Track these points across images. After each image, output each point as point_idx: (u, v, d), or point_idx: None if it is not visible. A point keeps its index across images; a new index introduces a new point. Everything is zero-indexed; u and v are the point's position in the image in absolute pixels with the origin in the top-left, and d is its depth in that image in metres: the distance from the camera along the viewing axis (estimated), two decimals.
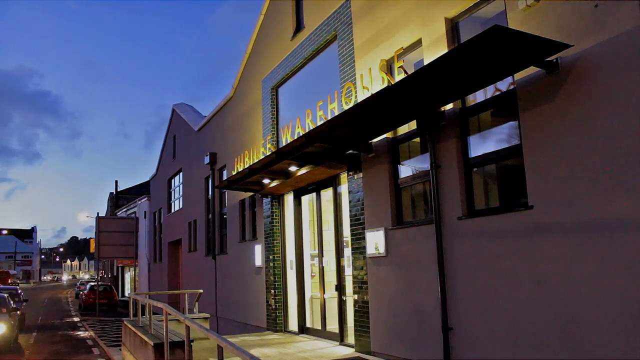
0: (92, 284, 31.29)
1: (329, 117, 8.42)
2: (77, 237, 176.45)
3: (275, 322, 11.82)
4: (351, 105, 7.87)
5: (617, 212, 4.68)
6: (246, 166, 11.15)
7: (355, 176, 8.79)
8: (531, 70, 5.49)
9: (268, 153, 10.77)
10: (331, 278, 10.12)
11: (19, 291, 21.12)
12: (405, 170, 7.87)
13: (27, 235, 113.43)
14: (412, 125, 7.52)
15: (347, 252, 9.34)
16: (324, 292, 10.27)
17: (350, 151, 8.61)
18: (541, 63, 5.27)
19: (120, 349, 12.56)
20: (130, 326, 10.19)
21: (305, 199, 11.54)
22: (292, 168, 9.66)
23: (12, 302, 16.00)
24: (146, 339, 8.25)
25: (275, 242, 12.14)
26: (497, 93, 6.27)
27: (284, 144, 9.24)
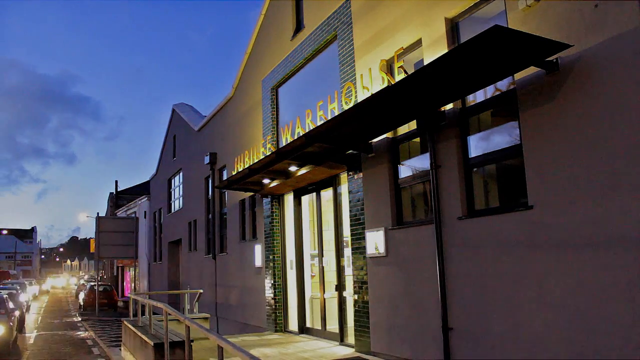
0: (92, 283, 31.29)
1: (329, 117, 8.42)
2: (77, 237, 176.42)
3: (275, 322, 11.82)
4: (351, 105, 7.87)
5: (617, 212, 4.68)
6: (246, 166, 11.15)
7: (355, 176, 8.79)
8: (531, 70, 5.49)
9: (268, 153, 10.77)
10: (331, 278, 10.11)
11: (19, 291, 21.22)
12: (405, 170, 7.87)
13: (27, 235, 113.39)
14: (412, 125, 7.52)
15: (347, 252, 9.33)
16: (324, 292, 10.27)
17: (350, 151, 8.61)
18: (541, 63, 5.27)
19: (120, 349, 12.56)
20: (130, 326, 10.19)
21: (305, 199, 11.54)
22: (292, 168, 9.66)
23: (11, 302, 15.99)
24: (146, 339, 8.25)
25: (275, 242, 12.14)
26: (497, 93, 6.27)
27: (284, 144, 9.24)
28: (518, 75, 5.68)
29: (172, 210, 23.82)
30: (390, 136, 8.03)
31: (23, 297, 24.14)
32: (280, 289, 11.94)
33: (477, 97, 6.56)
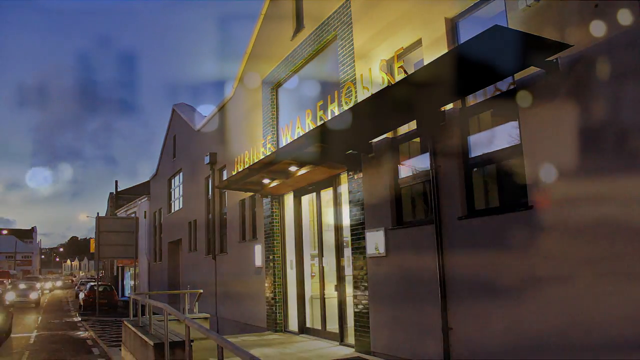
0: (92, 283, 31.28)
1: (329, 117, 8.42)
2: (77, 237, 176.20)
3: (275, 322, 11.82)
4: (351, 105, 7.87)
5: (617, 213, 4.68)
6: (246, 166, 11.16)
7: (355, 176, 8.78)
8: (531, 70, 5.49)
9: (268, 153, 10.77)
10: (331, 278, 10.11)
11: None
12: (405, 170, 7.87)
13: (27, 235, 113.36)
14: (412, 125, 7.52)
15: (347, 252, 9.33)
16: (324, 292, 10.26)
17: (350, 151, 8.61)
18: (541, 63, 5.27)
19: (120, 349, 12.55)
20: (130, 326, 10.19)
21: (305, 199, 11.54)
22: (292, 168, 9.66)
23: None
24: (146, 339, 8.25)
25: (275, 242, 12.13)
26: (497, 93, 6.27)
27: (284, 144, 9.24)
28: (518, 75, 5.68)
29: (172, 210, 23.81)
30: (390, 136, 8.03)
31: None
32: (280, 289, 11.94)
33: (477, 97, 6.56)
